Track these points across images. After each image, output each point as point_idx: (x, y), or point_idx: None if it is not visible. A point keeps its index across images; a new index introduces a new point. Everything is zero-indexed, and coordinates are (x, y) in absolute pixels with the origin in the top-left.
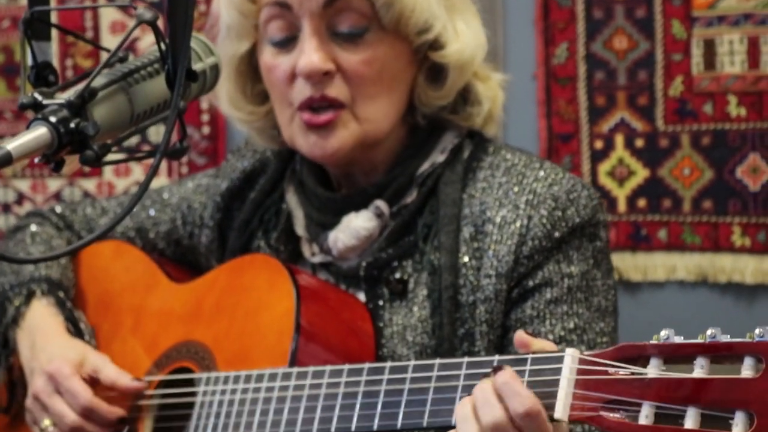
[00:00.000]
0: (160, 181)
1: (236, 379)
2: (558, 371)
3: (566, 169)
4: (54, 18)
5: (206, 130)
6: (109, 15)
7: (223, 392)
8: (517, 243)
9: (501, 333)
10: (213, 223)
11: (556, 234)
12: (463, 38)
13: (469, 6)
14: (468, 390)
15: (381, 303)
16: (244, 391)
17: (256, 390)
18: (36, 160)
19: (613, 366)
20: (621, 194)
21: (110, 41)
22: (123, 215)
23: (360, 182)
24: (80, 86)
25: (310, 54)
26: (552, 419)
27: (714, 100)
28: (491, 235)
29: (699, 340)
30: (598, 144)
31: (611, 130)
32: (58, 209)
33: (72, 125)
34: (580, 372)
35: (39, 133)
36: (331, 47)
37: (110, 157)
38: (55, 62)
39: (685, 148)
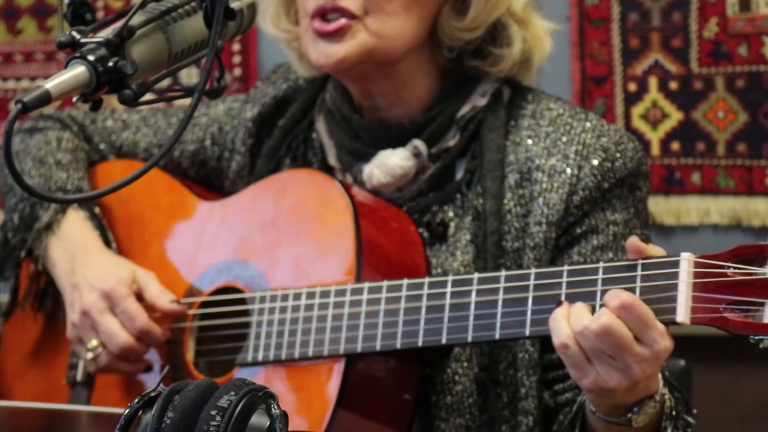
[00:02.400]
0: None
1: (297, 296)
2: (674, 275)
3: (608, 121)
4: None
5: (238, 72)
6: None
7: (283, 310)
8: (568, 192)
9: None
10: (245, 149)
11: (605, 185)
12: None
13: None
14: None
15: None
16: (308, 307)
17: (323, 306)
18: (73, 99)
19: (731, 267)
20: (654, 137)
21: None
22: (164, 153)
23: (387, 115)
24: (118, 24)
25: None
26: (674, 323)
27: (749, 42)
28: (540, 182)
29: None
30: (632, 86)
31: (645, 72)
32: (78, 117)
33: (110, 64)
34: (697, 275)
35: (77, 71)
36: None
37: (147, 96)
38: None
39: (719, 91)
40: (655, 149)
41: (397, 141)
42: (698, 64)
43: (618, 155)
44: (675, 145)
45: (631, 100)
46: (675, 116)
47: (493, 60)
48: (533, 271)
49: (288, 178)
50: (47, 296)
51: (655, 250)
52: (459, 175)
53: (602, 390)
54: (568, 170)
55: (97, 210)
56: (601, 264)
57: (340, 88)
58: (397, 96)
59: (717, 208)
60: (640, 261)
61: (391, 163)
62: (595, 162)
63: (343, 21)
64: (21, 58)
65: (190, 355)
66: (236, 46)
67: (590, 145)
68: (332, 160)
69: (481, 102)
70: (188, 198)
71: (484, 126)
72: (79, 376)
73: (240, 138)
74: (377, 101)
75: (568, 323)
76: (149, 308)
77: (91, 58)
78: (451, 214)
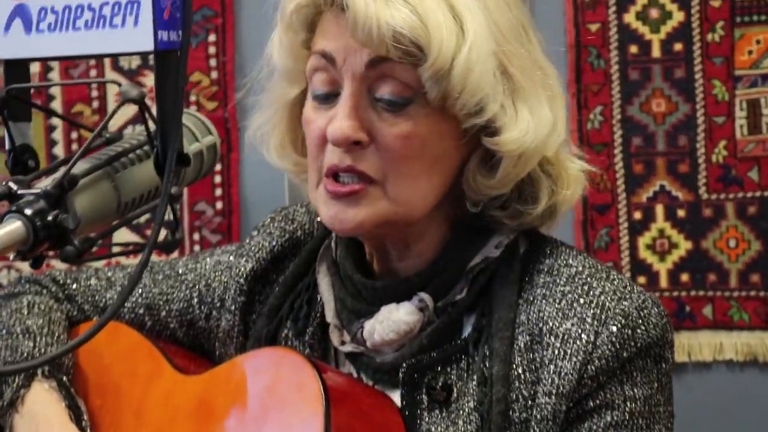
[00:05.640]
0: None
1: None
2: None
3: (632, 281)
4: (57, 89)
5: (219, 205)
6: (115, 85)
7: None
8: (582, 361)
9: None
10: (235, 308)
11: (624, 354)
12: (523, 126)
13: (539, 91)
14: None
15: (418, 411)
16: None
17: None
18: (11, 257)
19: None
20: (662, 268)
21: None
22: (122, 301)
23: (397, 266)
24: (59, 174)
25: (342, 119)
26: None
27: (760, 165)
28: (552, 348)
29: None
30: (637, 215)
31: (650, 199)
32: (59, 278)
33: (50, 218)
34: None
35: (13, 227)
36: (369, 114)
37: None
38: (60, 135)
39: (730, 218)
40: (664, 281)
41: (402, 295)
42: (707, 189)
43: (640, 321)
44: (684, 277)
45: (636, 229)
46: (683, 246)
47: (514, 214)
48: None
49: (266, 356)
50: None
51: None
52: (466, 332)
53: None
54: (584, 336)
55: (65, 379)
56: None
57: (344, 241)
58: (407, 248)
59: (731, 344)
60: None
61: (395, 319)
62: (614, 328)
63: (358, 185)
64: None
65: None
66: (218, 178)
67: (610, 308)
68: (330, 315)
69: (495, 253)
70: (166, 370)
71: (495, 280)
72: None
73: (230, 295)
74: (389, 254)
75: None
76: None
77: (28, 212)
78: (454, 376)
